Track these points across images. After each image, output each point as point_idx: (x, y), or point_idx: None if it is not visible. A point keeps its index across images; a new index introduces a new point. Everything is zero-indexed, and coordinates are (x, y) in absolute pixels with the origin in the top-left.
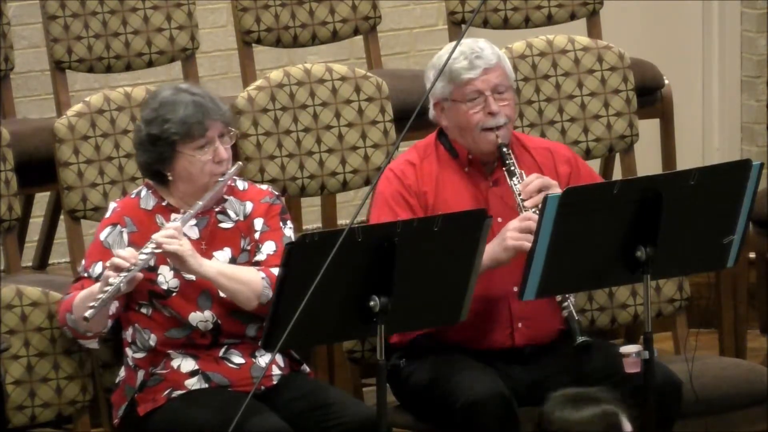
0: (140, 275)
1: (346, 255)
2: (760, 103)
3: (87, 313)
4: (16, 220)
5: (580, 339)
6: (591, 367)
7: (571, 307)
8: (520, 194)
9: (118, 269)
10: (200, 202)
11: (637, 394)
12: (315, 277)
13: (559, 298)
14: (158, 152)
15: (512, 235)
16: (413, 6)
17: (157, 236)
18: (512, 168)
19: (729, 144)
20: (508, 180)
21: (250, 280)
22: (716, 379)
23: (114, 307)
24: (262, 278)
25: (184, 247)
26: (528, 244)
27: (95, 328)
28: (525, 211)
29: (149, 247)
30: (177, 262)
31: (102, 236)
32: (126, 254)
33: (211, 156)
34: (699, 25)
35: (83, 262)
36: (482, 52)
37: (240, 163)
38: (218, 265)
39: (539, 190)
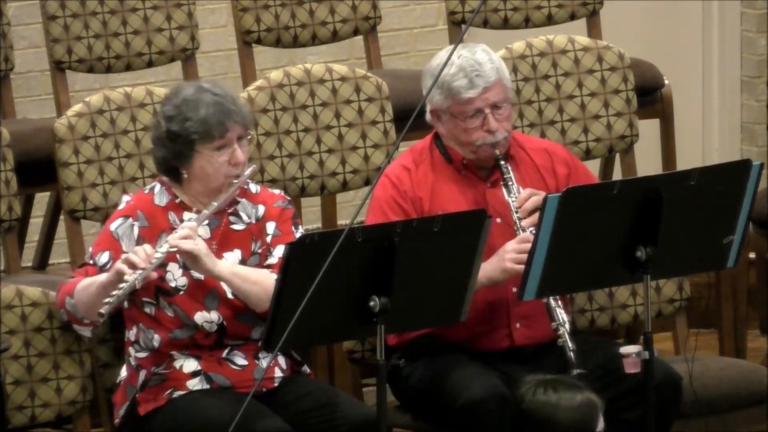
0: (155, 274)
1: (346, 255)
2: (760, 103)
3: (103, 309)
4: (16, 220)
5: (574, 372)
6: (590, 367)
7: (566, 336)
8: (516, 212)
9: (132, 266)
10: (215, 203)
11: (636, 392)
12: (315, 277)
13: (554, 326)
14: (176, 149)
15: (511, 257)
16: (413, 6)
17: (172, 237)
18: (510, 183)
19: (729, 144)
20: (505, 196)
21: (264, 282)
22: (716, 379)
23: None
24: (275, 280)
25: (200, 247)
26: None
27: (95, 318)
28: (522, 231)
29: (165, 247)
30: (192, 261)
31: (112, 227)
32: (141, 252)
33: (228, 158)
34: (699, 25)
35: (90, 249)
36: (481, 68)
37: (255, 165)
38: (232, 266)
39: (535, 209)
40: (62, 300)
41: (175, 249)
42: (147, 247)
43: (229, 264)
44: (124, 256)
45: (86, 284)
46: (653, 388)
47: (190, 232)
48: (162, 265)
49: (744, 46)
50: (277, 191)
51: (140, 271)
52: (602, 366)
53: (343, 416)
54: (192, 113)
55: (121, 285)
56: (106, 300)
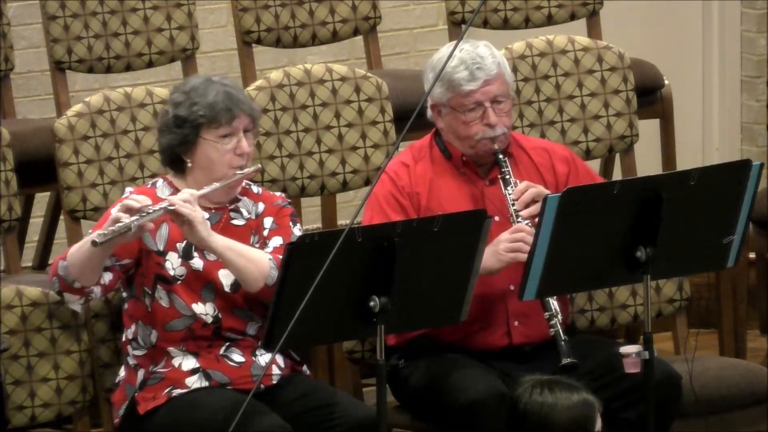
0: (151, 225)
1: (346, 255)
2: (760, 103)
3: (96, 237)
4: (16, 220)
5: (565, 361)
6: (589, 366)
7: (558, 326)
8: (513, 204)
9: (129, 210)
10: (217, 183)
11: (636, 391)
12: (315, 277)
13: (546, 315)
14: (182, 135)
15: (505, 247)
16: (413, 6)
17: (172, 197)
18: (507, 177)
19: (729, 144)
20: (503, 189)
21: (258, 259)
22: (716, 379)
23: (108, 278)
24: (269, 259)
25: (196, 213)
26: (523, 256)
27: (86, 281)
28: (517, 221)
29: (165, 203)
30: (187, 227)
31: (114, 210)
32: (139, 198)
33: (233, 146)
34: (699, 25)
35: (90, 230)
36: (483, 61)
37: (259, 165)
38: (227, 240)
39: (533, 200)
40: (55, 266)
41: (172, 207)
42: (144, 196)
43: (224, 238)
44: (120, 203)
45: (80, 244)
46: (653, 388)
47: (190, 198)
48: (161, 253)
49: (744, 46)
50: (278, 193)
51: (136, 217)
52: (602, 366)
53: (343, 416)
54: (200, 98)
55: (117, 224)
56: (101, 231)
